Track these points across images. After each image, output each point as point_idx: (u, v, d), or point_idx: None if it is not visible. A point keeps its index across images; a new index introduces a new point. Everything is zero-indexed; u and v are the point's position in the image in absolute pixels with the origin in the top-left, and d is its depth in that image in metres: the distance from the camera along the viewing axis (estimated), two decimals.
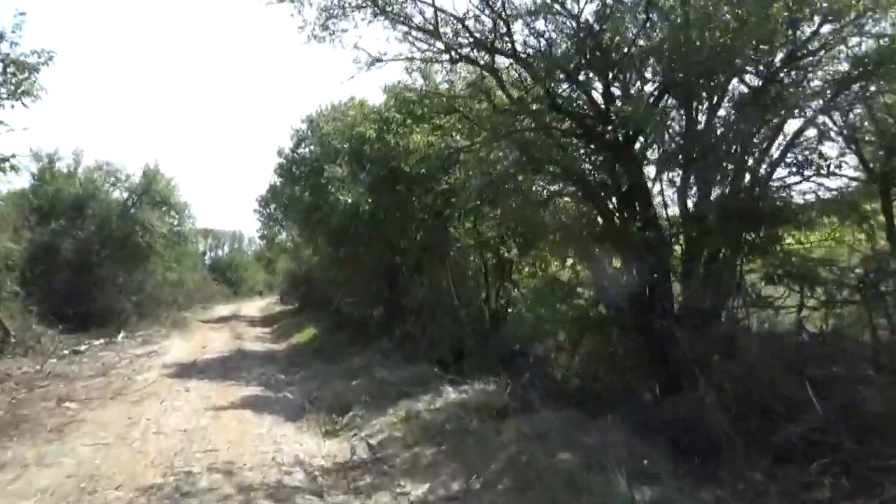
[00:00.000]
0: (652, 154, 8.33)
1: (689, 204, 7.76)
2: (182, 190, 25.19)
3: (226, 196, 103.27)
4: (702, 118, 7.61)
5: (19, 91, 13.36)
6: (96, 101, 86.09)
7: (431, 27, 8.37)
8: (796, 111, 6.86)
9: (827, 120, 7.01)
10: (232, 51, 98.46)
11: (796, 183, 7.26)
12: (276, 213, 24.15)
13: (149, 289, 27.47)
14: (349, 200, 13.58)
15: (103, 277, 23.40)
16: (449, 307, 13.09)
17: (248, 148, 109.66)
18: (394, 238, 14.13)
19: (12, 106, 13.07)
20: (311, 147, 17.16)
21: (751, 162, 7.38)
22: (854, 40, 6.74)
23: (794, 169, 7.18)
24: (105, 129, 69.41)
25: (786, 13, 6.40)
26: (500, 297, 12.72)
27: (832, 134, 7.07)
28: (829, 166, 6.99)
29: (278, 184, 19.03)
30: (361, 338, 15.65)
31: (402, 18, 8.48)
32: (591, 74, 8.22)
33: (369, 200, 13.50)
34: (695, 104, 7.55)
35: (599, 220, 8.66)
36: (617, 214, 8.23)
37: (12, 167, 13.93)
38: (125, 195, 24.03)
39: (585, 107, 8.27)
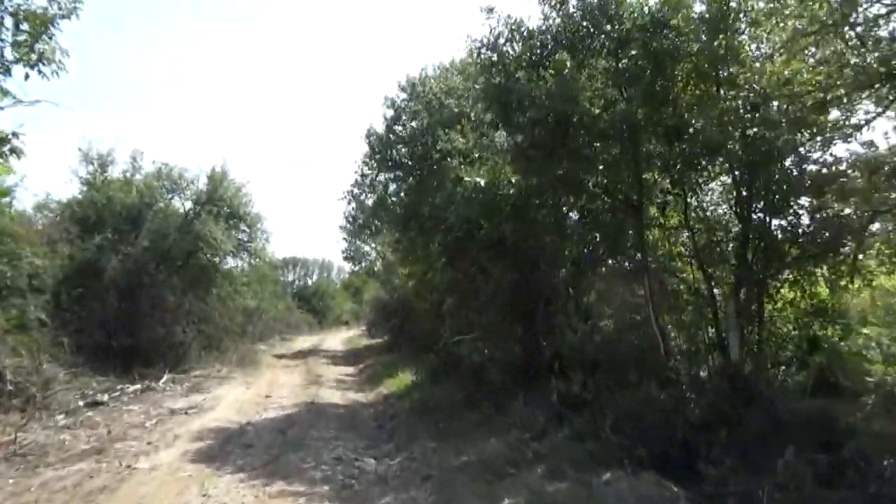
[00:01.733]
0: None
1: None
2: (255, 200, 21.09)
3: (315, 225, 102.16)
4: None
5: (33, 55, 9.45)
6: (178, 108, 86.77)
7: None
8: None
9: None
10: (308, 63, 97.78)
11: None
12: (367, 220, 19.26)
13: (216, 317, 23.60)
14: (478, 181, 8.48)
15: (158, 303, 19.48)
16: (647, 355, 7.68)
17: (339, 173, 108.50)
18: (545, 240, 8.89)
19: (26, 76, 9.26)
20: (415, 121, 12.28)
21: None
22: None
23: None
24: (180, 142, 68.62)
25: None
26: (755, 339, 7.14)
27: None
28: None
29: (366, 176, 14.36)
30: (484, 395, 10.43)
31: None
32: None
33: (512, 180, 8.33)
34: None
35: None
36: None
37: (13, 150, 9.94)
38: (188, 205, 20.12)
39: None
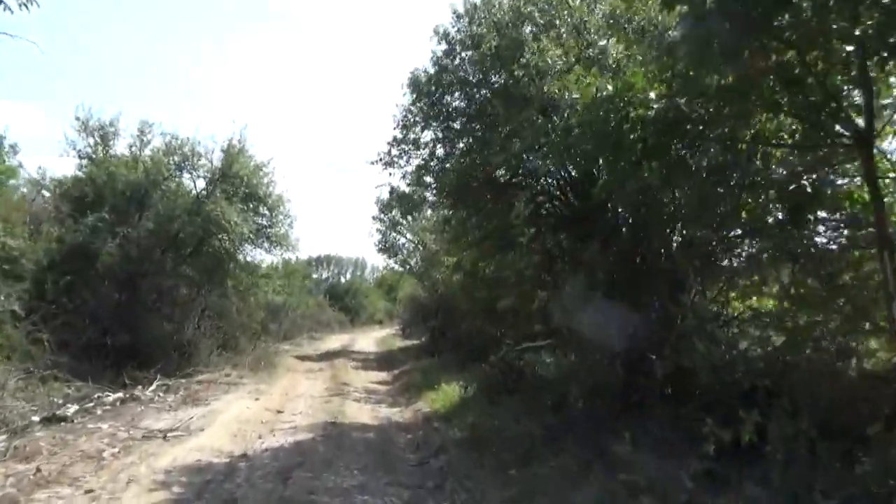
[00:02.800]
0: None
1: None
2: (279, 180, 18.43)
3: (352, 225, 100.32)
4: None
5: None
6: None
7: None
8: None
9: None
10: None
11: None
12: (405, 198, 16.10)
13: (233, 313, 21.04)
14: (601, 90, 5.44)
15: (164, 295, 16.95)
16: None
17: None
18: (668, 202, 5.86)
19: None
20: (479, 49, 9.06)
21: None
22: None
23: None
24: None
25: None
26: None
27: None
28: None
29: (408, 129, 11.27)
30: (566, 426, 7.43)
31: None
32: None
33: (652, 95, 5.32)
34: None
35: None
36: None
37: None
38: (200, 183, 17.52)
39: None
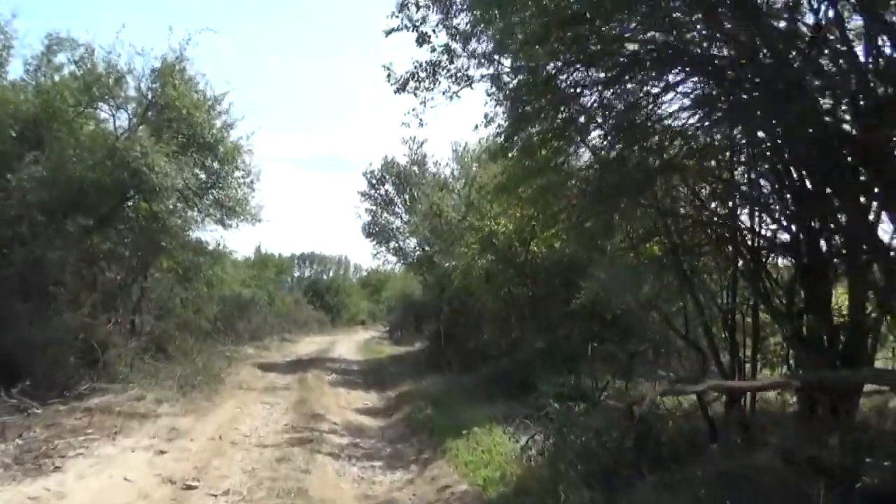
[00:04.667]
0: None
1: None
2: (235, 120, 13.15)
3: (335, 222, 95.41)
4: None
5: None
6: None
7: None
8: None
9: None
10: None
11: None
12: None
13: (177, 306, 15.99)
14: None
15: (58, 276, 11.77)
16: None
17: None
18: None
19: None
20: None
21: None
22: None
23: None
24: None
25: None
26: None
27: None
28: None
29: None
30: None
31: None
32: None
33: None
34: None
35: None
36: None
37: None
38: (122, 118, 12.32)
39: None
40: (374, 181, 21.23)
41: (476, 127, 7.35)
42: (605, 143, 6.79)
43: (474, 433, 7.71)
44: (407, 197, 21.44)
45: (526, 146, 6.67)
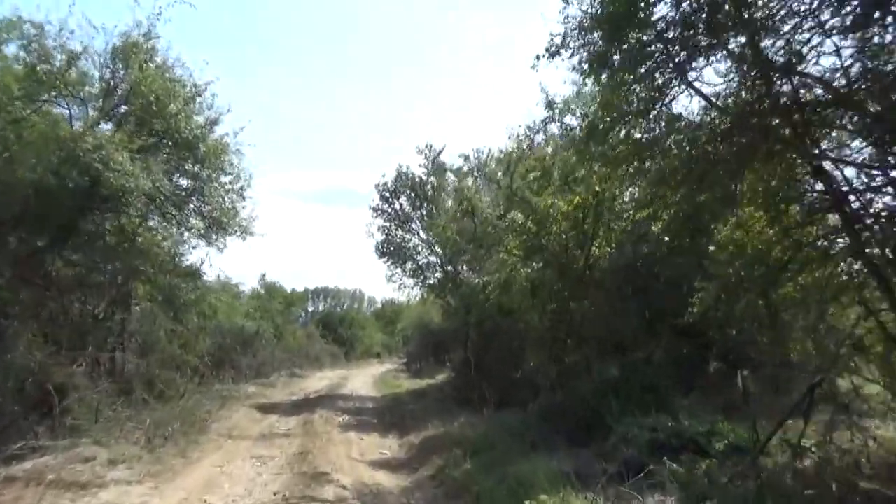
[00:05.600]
0: None
1: None
2: (220, 115, 11.04)
3: (351, 257, 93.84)
4: None
5: None
6: None
7: None
8: None
9: None
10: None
11: None
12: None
13: (161, 339, 13.85)
14: None
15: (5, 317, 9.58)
16: None
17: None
18: None
19: None
20: None
21: None
22: None
23: None
24: None
25: None
26: None
27: None
28: None
29: None
30: None
31: None
32: None
33: None
34: None
35: None
36: None
37: None
38: (84, 109, 10.21)
39: None
40: (387, 194, 19.01)
41: (538, 58, 5.11)
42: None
43: (542, 503, 5.29)
44: (424, 212, 19.20)
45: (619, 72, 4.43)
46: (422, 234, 19.26)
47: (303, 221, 78.52)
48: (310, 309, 58.99)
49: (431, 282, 18.70)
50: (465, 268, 16.67)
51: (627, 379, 7.37)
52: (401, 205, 19.08)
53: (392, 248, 19.27)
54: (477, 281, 12.27)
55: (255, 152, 41.11)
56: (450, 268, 17.54)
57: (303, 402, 16.00)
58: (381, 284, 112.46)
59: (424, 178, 19.07)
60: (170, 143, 10.36)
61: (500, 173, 14.27)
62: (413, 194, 19.15)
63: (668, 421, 6.25)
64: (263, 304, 32.12)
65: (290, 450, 9.30)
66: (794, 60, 4.50)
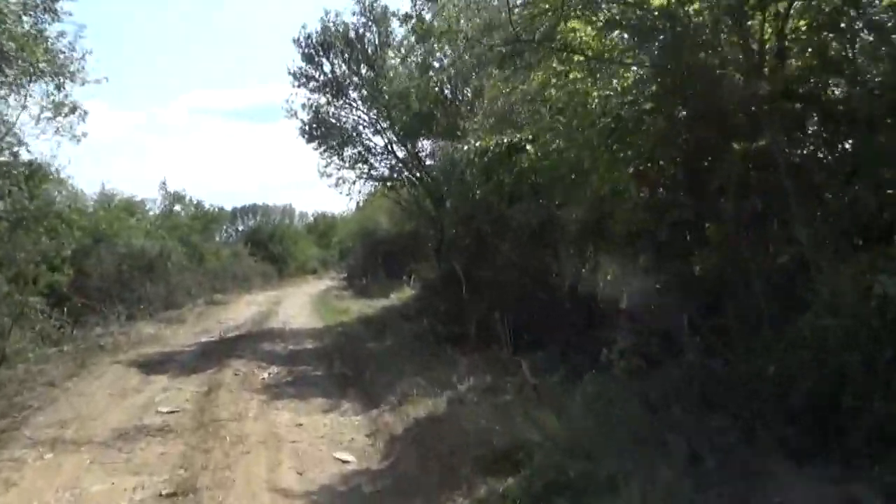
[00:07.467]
0: None
1: None
2: None
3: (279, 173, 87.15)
4: None
5: None
6: None
7: None
8: None
9: None
10: None
11: None
12: None
13: None
14: None
15: None
16: None
17: None
18: None
19: None
20: None
21: None
22: None
23: None
24: None
25: None
26: None
27: None
28: None
29: None
30: None
31: None
32: None
33: None
34: None
35: None
36: None
37: None
38: None
39: None
40: (310, 51, 13.61)
41: None
42: None
43: None
44: (362, 78, 13.99)
45: None
46: (363, 109, 14.11)
47: (227, 140, 70.78)
48: (240, 228, 53.92)
49: (380, 171, 13.81)
50: (428, 144, 11.87)
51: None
52: (332, 67, 13.76)
53: (324, 129, 14.07)
54: (472, 143, 7.50)
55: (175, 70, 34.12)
56: (406, 148, 12.62)
57: (214, 348, 11.26)
58: (313, 199, 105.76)
59: (361, 29, 13.73)
60: None
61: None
62: (347, 54, 13.82)
63: None
64: (173, 221, 27.14)
65: (160, 475, 4.67)
66: None
